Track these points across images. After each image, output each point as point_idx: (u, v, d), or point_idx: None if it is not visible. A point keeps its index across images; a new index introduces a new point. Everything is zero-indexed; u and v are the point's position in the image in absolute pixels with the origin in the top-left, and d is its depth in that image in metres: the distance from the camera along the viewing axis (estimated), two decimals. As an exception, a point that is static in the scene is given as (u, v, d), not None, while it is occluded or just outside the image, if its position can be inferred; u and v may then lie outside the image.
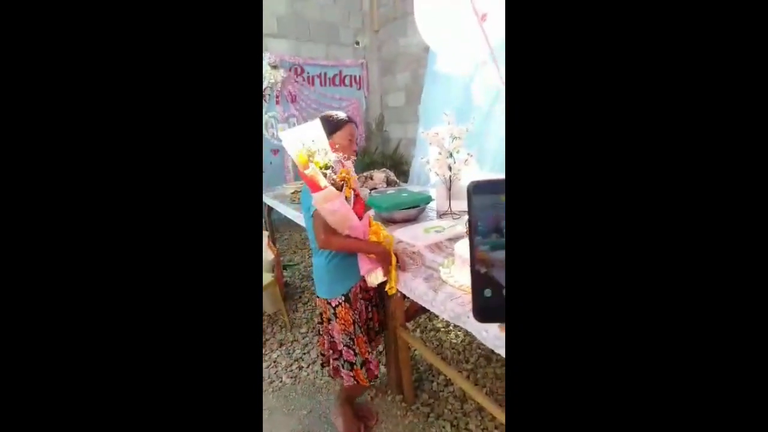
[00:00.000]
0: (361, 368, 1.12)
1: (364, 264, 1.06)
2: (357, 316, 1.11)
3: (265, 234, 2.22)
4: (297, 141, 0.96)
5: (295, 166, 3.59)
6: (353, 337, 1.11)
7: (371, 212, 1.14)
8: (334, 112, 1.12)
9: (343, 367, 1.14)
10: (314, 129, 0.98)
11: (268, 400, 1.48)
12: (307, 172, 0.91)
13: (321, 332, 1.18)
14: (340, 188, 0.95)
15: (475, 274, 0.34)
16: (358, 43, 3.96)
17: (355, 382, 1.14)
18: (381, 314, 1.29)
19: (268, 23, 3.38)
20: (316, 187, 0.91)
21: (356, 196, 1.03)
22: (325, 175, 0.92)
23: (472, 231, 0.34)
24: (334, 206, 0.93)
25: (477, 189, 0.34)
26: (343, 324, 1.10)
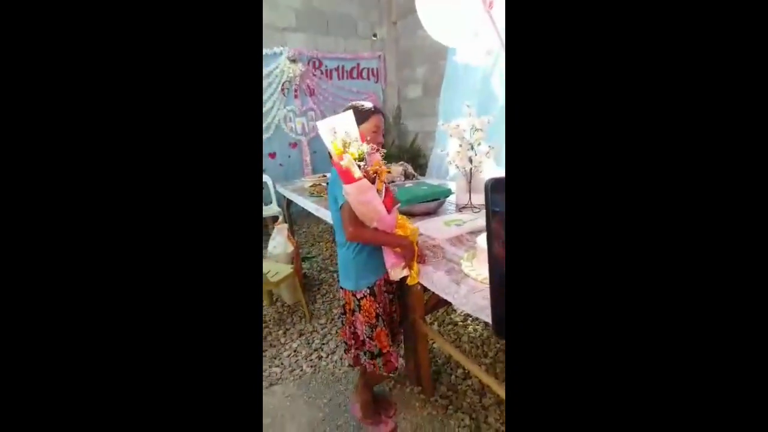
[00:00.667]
0: (377, 359, 1.14)
1: (389, 258, 1.06)
2: (381, 310, 1.12)
3: (285, 226, 2.25)
4: (331, 131, 0.96)
5: (313, 159, 3.64)
6: (374, 329, 1.12)
7: (398, 206, 1.13)
8: (360, 102, 1.10)
9: (365, 356, 1.16)
10: (347, 120, 0.97)
11: (290, 387, 1.52)
12: (342, 162, 0.91)
13: (344, 322, 1.20)
14: (372, 180, 0.95)
15: (497, 278, 0.32)
16: (375, 35, 3.92)
17: (369, 369, 1.16)
18: (403, 307, 1.30)
19: (286, 17, 3.39)
20: (349, 179, 0.91)
21: (386, 188, 1.03)
22: (358, 167, 0.92)
23: (495, 228, 0.33)
24: (366, 198, 0.93)
25: (496, 186, 0.32)
26: (367, 316, 1.11)
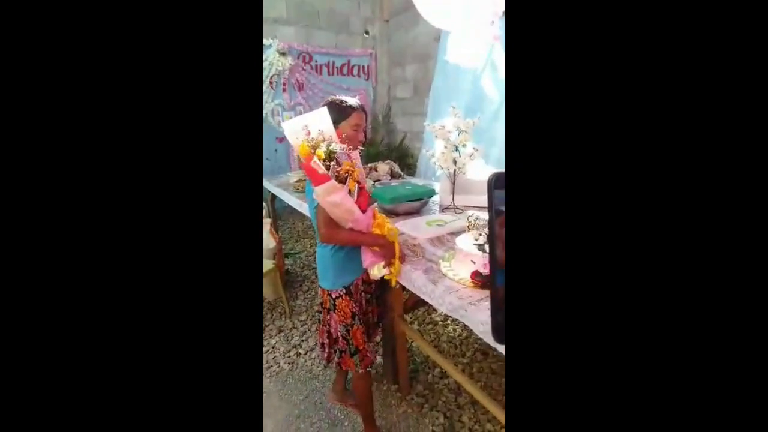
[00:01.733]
0: (353, 356, 1.13)
1: (367, 257, 1.05)
2: (357, 308, 1.11)
3: (268, 221, 2.23)
4: (301, 131, 0.94)
5: (300, 154, 3.60)
6: (349, 328, 1.11)
7: (375, 205, 1.12)
8: (342, 98, 1.06)
9: (337, 354, 1.15)
10: (321, 118, 0.95)
11: (266, 384, 1.51)
12: (311, 164, 0.89)
13: (320, 321, 1.19)
14: (343, 181, 0.93)
15: (500, 283, 0.30)
16: (367, 32, 3.90)
17: (345, 366, 1.15)
18: (381, 306, 1.30)
19: (278, 9, 3.34)
20: (317, 180, 0.89)
21: (360, 188, 1.01)
22: (328, 167, 0.90)
23: (498, 230, 0.31)
24: (335, 199, 0.91)
25: (500, 182, 0.30)
26: (342, 316, 1.10)
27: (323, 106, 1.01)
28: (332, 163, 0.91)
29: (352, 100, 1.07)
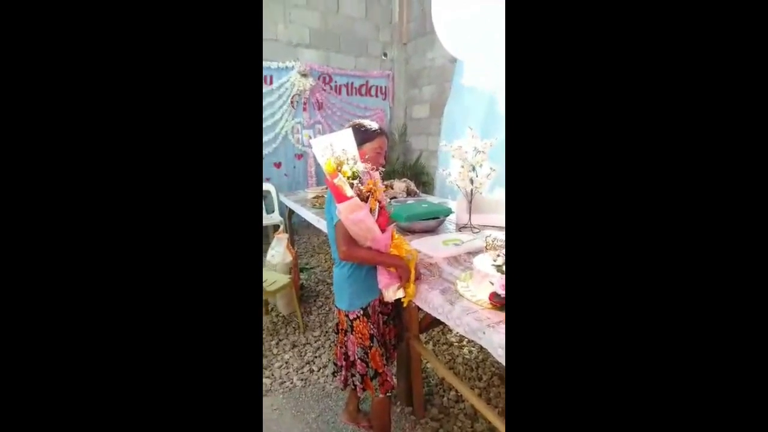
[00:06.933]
0: (373, 380, 1.10)
1: (383, 278, 1.05)
2: (375, 330, 1.10)
3: (285, 236, 2.27)
4: (327, 149, 0.97)
5: (318, 171, 3.68)
6: (368, 350, 1.09)
7: (393, 225, 1.13)
8: (366, 122, 1.12)
9: (353, 378, 1.13)
10: (345, 138, 0.98)
11: (278, 400, 1.50)
12: (335, 181, 0.91)
13: (336, 342, 1.17)
14: (365, 199, 0.95)
15: None
16: (386, 55, 4.03)
17: (363, 392, 1.13)
18: (398, 327, 1.27)
19: (301, 34, 3.51)
20: (341, 197, 0.91)
21: (381, 208, 1.02)
22: (351, 185, 0.92)
23: None
24: (357, 217, 0.93)
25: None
26: (360, 337, 1.08)
27: (349, 128, 1.05)
28: (356, 181, 0.94)
29: (375, 125, 1.12)
